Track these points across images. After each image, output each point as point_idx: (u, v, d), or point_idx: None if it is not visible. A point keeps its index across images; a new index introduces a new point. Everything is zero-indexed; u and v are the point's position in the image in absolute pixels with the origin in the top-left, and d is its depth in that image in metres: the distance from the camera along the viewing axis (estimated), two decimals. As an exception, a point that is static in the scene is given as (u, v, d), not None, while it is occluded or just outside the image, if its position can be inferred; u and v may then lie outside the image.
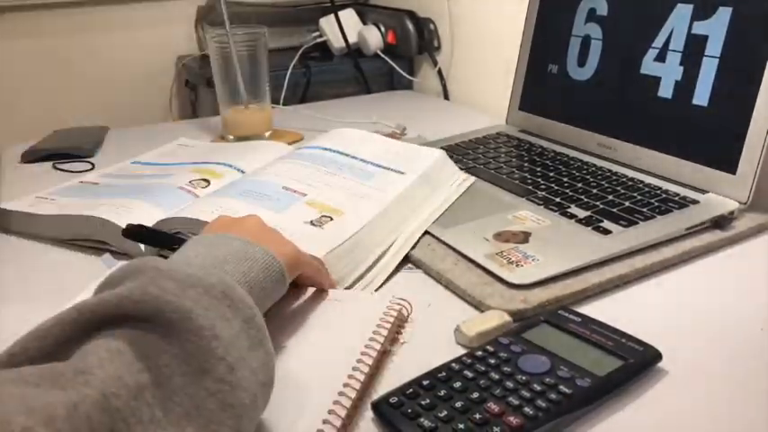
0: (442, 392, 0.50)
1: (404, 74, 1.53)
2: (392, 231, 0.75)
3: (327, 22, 1.55)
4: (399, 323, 0.61)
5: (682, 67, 0.86)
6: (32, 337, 0.38)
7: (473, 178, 0.90)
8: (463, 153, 1.00)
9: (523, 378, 0.51)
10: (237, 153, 0.99)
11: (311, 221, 0.71)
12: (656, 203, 0.80)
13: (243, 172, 0.91)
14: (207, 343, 0.39)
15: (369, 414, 0.50)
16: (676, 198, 0.81)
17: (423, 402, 0.49)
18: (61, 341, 0.38)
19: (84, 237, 0.79)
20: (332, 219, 0.72)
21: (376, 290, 0.68)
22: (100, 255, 0.77)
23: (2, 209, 0.84)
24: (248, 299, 0.45)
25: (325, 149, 0.89)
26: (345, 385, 0.50)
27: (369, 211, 0.74)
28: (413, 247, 0.74)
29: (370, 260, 0.70)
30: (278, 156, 0.93)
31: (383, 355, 0.57)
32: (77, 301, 0.65)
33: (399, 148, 0.90)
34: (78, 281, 0.70)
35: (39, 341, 0.38)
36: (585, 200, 0.82)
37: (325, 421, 0.47)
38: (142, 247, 0.74)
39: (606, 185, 0.86)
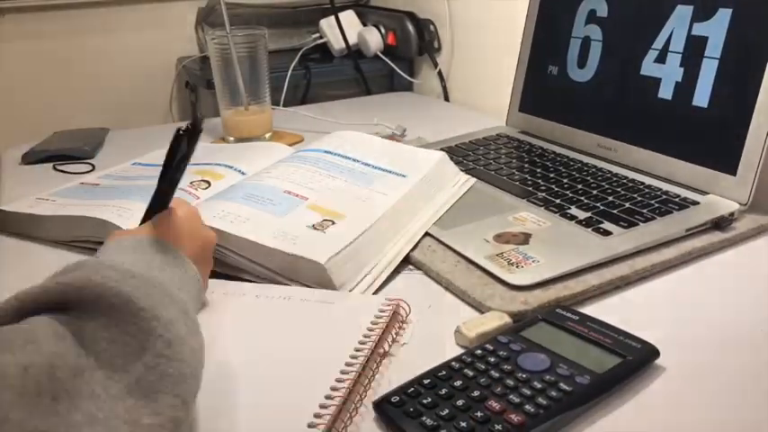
0: (443, 391, 0.50)
1: (404, 75, 1.53)
2: (394, 234, 0.75)
3: (327, 24, 1.55)
4: (399, 324, 0.61)
5: (682, 69, 0.86)
6: None
7: (473, 180, 0.90)
8: (463, 154, 1.01)
9: (523, 376, 0.51)
10: (238, 154, 1.00)
11: (313, 225, 0.71)
12: (657, 204, 0.80)
13: (243, 173, 0.91)
14: (147, 324, 0.41)
15: (371, 413, 0.50)
16: (676, 199, 0.81)
17: (424, 401, 0.49)
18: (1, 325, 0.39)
19: (84, 238, 0.79)
20: (334, 222, 0.72)
21: (375, 292, 0.68)
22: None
23: (2, 210, 0.84)
24: (180, 295, 0.48)
25: (327, 152, 0.89)
26: (334, 389, 0.50)
27: (371, 214, 0.74)
28: (413, 249, 0.74)
29: (373, 263, 0.70)
30: (278, 157, 0.93)
31: (382, 357, 0.57)
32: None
33: (400, 151, 0.90)
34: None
35: None
36: (586, 201, 0.82)
37: (310, 425, 0.47)
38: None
39: (606, 187, 0.86)
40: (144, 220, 0.59)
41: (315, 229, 0.71)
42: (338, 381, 0.51)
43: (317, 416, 0.48)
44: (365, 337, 0.57)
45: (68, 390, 0.36)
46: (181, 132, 0.53)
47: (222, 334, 0.59)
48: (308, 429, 0.47)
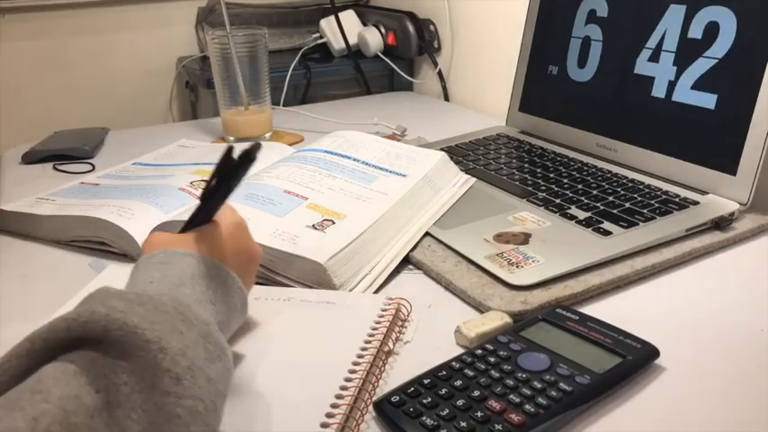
0: (444, 391, 0.50)
1: (404, 75, 1.53)
2: (394, 234, 0.75)
3: (328, 24, 1.55)
4: (400, 322, 0.61)
5: (677, 68, 0.86)
6: None
7: (473, 179, 0.90)
8: (463, 154, 1.01)
9: (523, 376, 0.51)
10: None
11: (313, 225, 0.71)
12: (657, 205, 0.80)
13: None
14: (153, 357, 0.39)
15: (371, 413, 0.50)
16: (676, 199, 0.81)
17: (424, 401, 0.49)
18: (18, 374, 0.38)
19: (84, 237, 0.79)
20: (334, 222, 0.72)
21: (376, 291, 0.68)
22: (99, 256, 0.77)
23: (2, 210, 0.84)
24: (204, 315, 0.45)
25: (327, 152, 0.89)
26: (343, 388, 0.51)
27: (371, 214, 0.74)
28: (413, 249, 0.74)
29: (373, 263, 0.70)
30: (279, 157, 0.93)
31: (387, 355, 0.57)
32: (76, 301, 0.66)
33: (400, 151, 0.90)
34: (78, 281, 0.70)
35: None
36: (585, 201, 0.82)
37: (323, 425, 0.47)
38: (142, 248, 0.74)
39: (606, 187, 0.86)
40: (183, 231, 0.55)
41: (315, 228, 0.71)
42: (347, 380, 0.51)
43: (329, 415, 0.48)
44: (370, 336, 0.57)
45: None
46: (234, 157, 0.50)
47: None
48: (322, 430, 0.47)
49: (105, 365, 0.38)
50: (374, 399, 0.51)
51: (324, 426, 0.47)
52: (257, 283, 0.68)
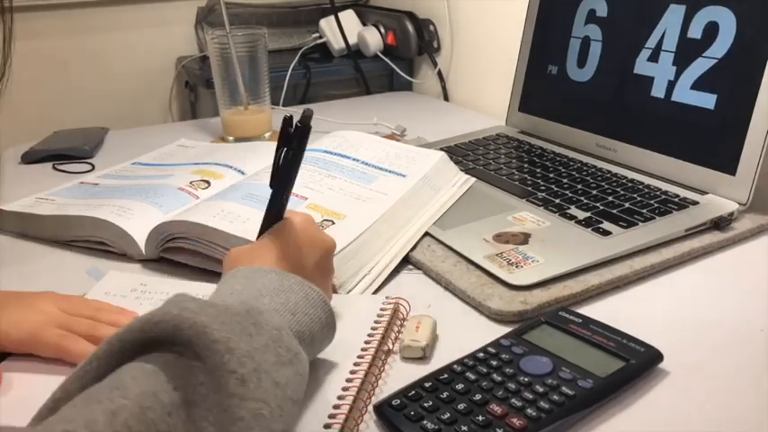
0: (445, 394, 0.50)
1: (404, 75, 1.53)
2: (394, 234, 0.75)
3: (327, 24, 1.55)
4: (399, 322, 0.61)
5: (675, 68, 0.86)
6: (72, 378, 0.39)
7: (473, 179, 0.90)
8: (463, 154, 1.00)
9: (525, 379, 0.51)
10: (237, 154, 1.00)
11: None
12: (656, 205, 0.80)
13: (243, 173, 0.91)
14: (220, 357, 0.39)
15: (372, 416, 0.50)
16: (676, 199, 0.81)
17: (425, 404, 0.49)
18: (99, 375, 0.39)
19: (84, 237, 0.79)
20: (333, 222, 0.72)
21: (375, 291, 0.68)
22: (99, 256, 0.77)
23: (2, 210, 0.84)
24: (276, 321, 0.45)
25: (326, 152, 0.89)
26: (344, 388, 0.51)
27: (371, 214, 0.74)
28: (413, 249, 0.74)
29: (372, 263, 0.70)
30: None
31: (387, 354, 0.57)
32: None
33: (400, 151, 0.90)
34: (78, 281, 0.70)
35: (78, 381, 0.39)
36: (585, 201, 0.82)
37: (326, 425, 0.47)
38: (142, 249, 0.74)
39: (606, 187, 0.86)
40: (261, 232, 0.57)
41: None
42: (348, 381, 0.52)
43: (331, 416, 0.48)
44: (369, 336, 0.57)
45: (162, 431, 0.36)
46: (291, 130, 0.52)
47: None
48: (324, 430, 0.47)
49: (182, 365, 0.39)
50: (373, 399, 0.51)
51: (326, 426, 0.47)
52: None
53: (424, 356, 0.56)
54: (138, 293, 0.68)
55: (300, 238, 0.56)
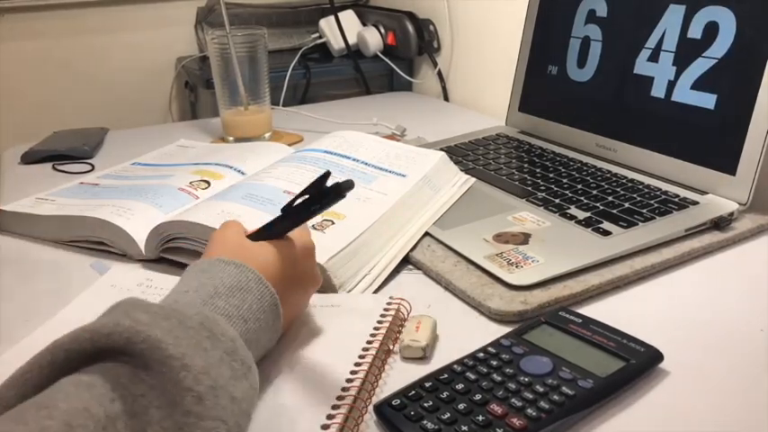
0: (445, 394, 0.50)
1: (403, 75, 1.53)
2: (394, 234, 0.75)
3: (327, 24, 1.55)
4: (400, 322, 0.61)
5: (676, 68, 0.86)
6: (10, 384, 0.38)
7: (473, 179, 0.90)
8: (463, 154, 1.01)
9: (525, 379, 0.51)
10: (237, 154, 1.00)
11: (313, 225, 0.71)
12: (656, 205, 0.80)
13: (243, 173, 0.91)
14: (175, 374, 0.38)
15: (372, 416, 0.50)
16: (676, 199, 0.81)
17: (425, 404, 0.49)
18: (39, 384, 0.37)
19: (84, 237, 0.79)
20: (333, 223, 0.72)
21: (375, 291, 0.68)
22: (99, 255, 0.77)
23: (2, 210, 0.84)
24: (230, 332, 0.44)
25: (327, 152, 0.89)
26: (344, 389, 0.51)
27: (371, 214, 0.74)
28: (413, 249, 0.74)
29: (372, 263, 0.70)
30: (278, 157, 0.93)
31: (387, 354, 0.57)
32: (78, 302, 0.65)
33: (400, 151, 0.90)
34: (78, 281, 0.70)
35: (16, 388, 0.37)
36: (585, 201, 0.82)
37: (324, 426, 0.47)
38: (142, 249, 0.74)
39: (606, 187, 0.86)
40: (254, 238, 0.56)
41: (315, 229, 0.71)
42: (348, 381, 0.52)
43: (329, 417, 0.48)
44: (372, 336, 0.57)
45: None
46: (326, 188, 0.52)
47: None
48: (322, 431, 0.47)
49: (124, 375, 0.38)
50: (373, 399, 0.51)
51: (324, 427, 0.47)
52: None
53: (424, 356, 0.56)
54: (144, 288, 0.68)
55: (296, 263, 0.56)
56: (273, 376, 0.54)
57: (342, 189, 0.51)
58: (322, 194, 0.53)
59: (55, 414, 0.34)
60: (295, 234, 0.57)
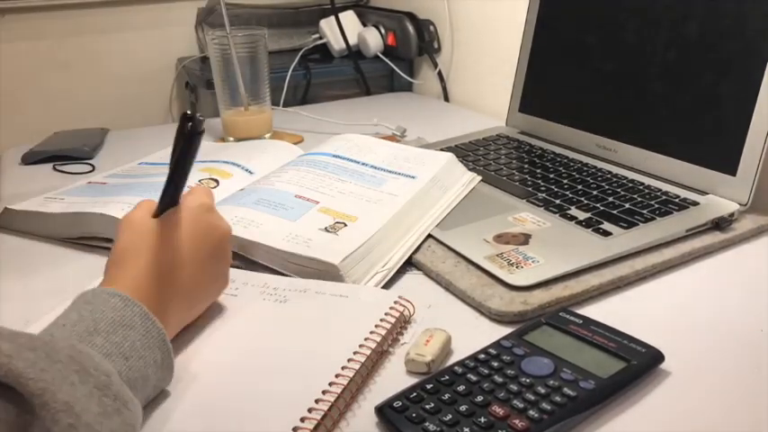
0: (446, 396, 0.50)
1: (404, 75, 1.53)
2: (404, 234, 0.76)
3: (327, 24, 1.55)
4: (402, 324, 0.61)
5: (678, 68, 0.86)
6: None
7: (479, 177, 0.90)
8: (463, 155, 1.01)
9: (527, 381, 0.51)
10: (245, 153, 1.00)
11: (326, 228, 0.72)
12: (657, 205, 0.80)
13: (251, 172, 0.92)
14: (37, 410, 0.37)
15: (373, 418, 0.50)
16: (676, 200, 0.82)
17: (427, 406, 0.49)
18: None
19: (92, 234, 0.79)
20: (346, 225, 0.73)
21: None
22: (106, 254, 0.77)
23: (11, 209, 0.84)
24: (105, 366, 0.43)
25: (335, 156, 0.89)
26: (331, 383, 0.51)
27: (382, 215, 0.75)
28: (415, 250, 0.74)
29: (383, 262, 0.71)
30: (284, 155, 0.93)
31: (381, 355, 0.57)
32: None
33: (409, 153, 0.91)
34: (80, 280, 0.70)
35: None
36: (585, 201, 0.82)
37: (303, 419, 0.47)
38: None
39: (606, 187, 0.86)
40: (156, 215, 0.56)
41: (327, 231, 0.72)
42: (337, 376, 0.52)
43: (310, 410, 0.48)
44: (371, 333, 0.57)
45: None
46: (186, 131, 0.53)
47: (235, 324, 0.60)
48: (300, 423, 0.47)
49: None
50: (360, 400, 0.51)
51: (302, 419, 0.47)
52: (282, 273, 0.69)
53: (429, 372, 0.55)
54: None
55: (191, 225, 0.56)
56: (266, 361, 0.55)
57: (195, 125, 0.54)
58: (186, 141, 0.55)
59: None
60: (187, 197, 0.58)
